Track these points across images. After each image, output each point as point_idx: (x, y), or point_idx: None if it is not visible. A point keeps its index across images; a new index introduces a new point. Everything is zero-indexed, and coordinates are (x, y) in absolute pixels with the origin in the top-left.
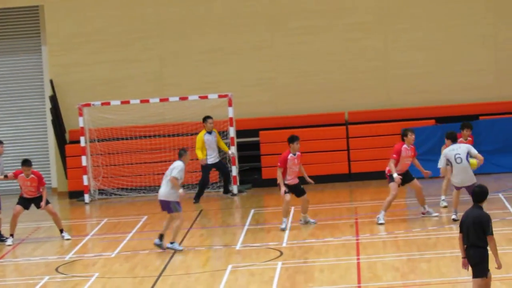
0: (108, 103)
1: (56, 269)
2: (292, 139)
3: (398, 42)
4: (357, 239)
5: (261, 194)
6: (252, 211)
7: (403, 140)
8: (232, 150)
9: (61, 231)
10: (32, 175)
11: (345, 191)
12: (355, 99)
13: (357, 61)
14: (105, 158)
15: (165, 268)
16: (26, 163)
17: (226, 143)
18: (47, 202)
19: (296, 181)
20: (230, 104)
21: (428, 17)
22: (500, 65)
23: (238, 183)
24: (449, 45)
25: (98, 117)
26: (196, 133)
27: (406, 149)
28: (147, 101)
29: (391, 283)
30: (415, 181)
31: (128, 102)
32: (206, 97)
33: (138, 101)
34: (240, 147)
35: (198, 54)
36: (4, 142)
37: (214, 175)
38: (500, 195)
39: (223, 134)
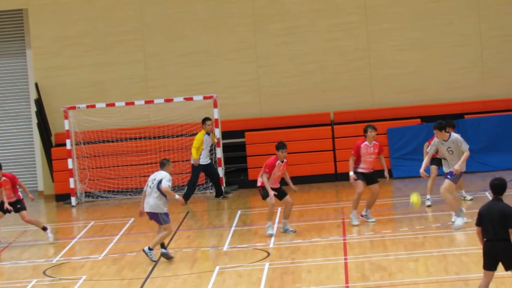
0: (94, 106)
1: (44, 272)
2: (278, 147)
3: (382, 42)
4: (344, 239)
5: (248, 195)
6: (239, 212)
7: (365, 136)
8: (217, 135)
9: (44, 228)
10: (4, 178)
11: (331, 191)
12: (340, 99)
13: (341, 61)
14: (91, 161)
15: (152, 270)
16: None
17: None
18: (19, 209)
19: (278, 185)
20: (215, 106)
21: (412, 17)
22: (485, 64)
23: (224, 184)
24: (433, 44)
25: (84, 119)
26: (182, 135)
27: (367, 146)
28: (132, 103)
29: (378, 282)
30: (376, 186)
31: (113, 104)
32: (191, 99)
33: (123, 103)
34: (226, 148)
35: (182, 56)
36: None
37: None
38: (487, 193)
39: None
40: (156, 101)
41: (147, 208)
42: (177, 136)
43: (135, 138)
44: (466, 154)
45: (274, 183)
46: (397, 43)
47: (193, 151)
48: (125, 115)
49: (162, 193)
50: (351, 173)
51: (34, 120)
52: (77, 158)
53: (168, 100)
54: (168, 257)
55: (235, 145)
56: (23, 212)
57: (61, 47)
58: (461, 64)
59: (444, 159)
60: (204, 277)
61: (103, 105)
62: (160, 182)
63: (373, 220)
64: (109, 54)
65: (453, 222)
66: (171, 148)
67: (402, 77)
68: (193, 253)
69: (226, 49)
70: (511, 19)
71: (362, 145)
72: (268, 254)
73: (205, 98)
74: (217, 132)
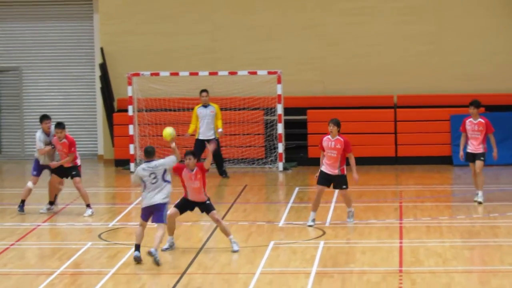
0: (158, 74)
1: (99, 236)
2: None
3: (450, 29)
4: (401, 223)
5: (306, 172)
6: (297, 189)
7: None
8: (220, 130)
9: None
10: (64, 140)
11: (390, 174)
12: (404, 83)
13: (408, 45)
14: (152, 128)
15: (207, 240)
16: (59, 125)
17: (269, 120)
18: (74, 175)
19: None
20: (279, 81)
21: (481, 4)
22: None
23: (283, 161)
24: (501, 33)
25: (147, 87)
26: (244, 108)
27: (329, 139)
28: (196, 73)
29: (432, 268)
30: (342, 191)
31: (177, 74)
32: (255, 73)
33: (187, 73)
34: (287, 124)
35: (249, 30)
36: (53, 107)
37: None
38: None
39: (271, 111)
40: (220, 73)
41: (156, 201)
42: (239, 110)
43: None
44: None
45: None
46: (466, 30)
47: (190, 126)
48: (188, 85)
49: (168, 181)
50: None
51: (98, 85)
52: (138, 124)
53: (232, 73)
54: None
55: (297, 122)
56: (77, 179)
57: (128, 13)
58: None
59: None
60: (258, 252)
61: (167, 73)
62: (165, 172)
63: (352, 221)
64: (177, 23)
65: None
66: (232, 121)
67: (468, 65)
68: (249, 226)
69: (294, 26)
70: None
71: (324, 138)
72: (324, 232)
73: (269, 73)
74: (279, 108)
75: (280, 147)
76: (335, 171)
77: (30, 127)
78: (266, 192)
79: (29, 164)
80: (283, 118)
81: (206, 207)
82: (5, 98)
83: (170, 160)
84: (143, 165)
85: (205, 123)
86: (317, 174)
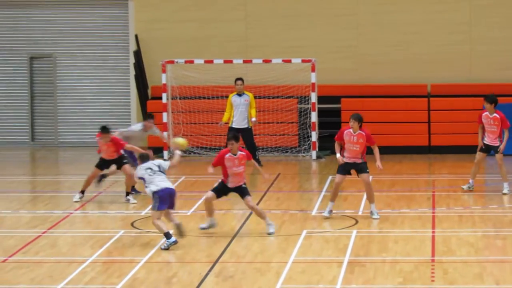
0: (192, 61)
1: (132, 224)
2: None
3: (484, 18)
4: (433, 212)
5: None
6: (330, 177)
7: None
8: (254, 119)
9: (127, 194)
10: (110, 142)
11: (424, 163)
12: (437, 72)
13: (442, 34)
14: (186, 116)
15: (240, 229)
16: (104, 130)
17: (303, 109)
18: (124, 163)
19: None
20: (313, 70)
21: None
22: None
23: (317, 149)
24: None
25: (181, 74)
26: (278, 97)
27: (350, 134)
28: (231, 61)
29: (465, 258)
30: (364, 175)
31: (211, 61)
32: (289, 61)
33: (221, 61)
34: (320, 113)
35: (283, 18)
36: (87, 94)
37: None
38: None
39: (305, 99)
40: (254, 61)
41: (172, 188)
42: (273, 98)
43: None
44: None
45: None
46: (500, 19)
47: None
48: (222, 72)
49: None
50: (337, 155)
51: (132, 72)
52: (172, 112)
53: (266, 61)
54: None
55: (330, 111)
56: (126, 166)
57: (163, 1)
58: None
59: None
60: (290, 240)
61: (201, 61)
62: (160, 166)
63: (377, 217)
64: (211, 11)
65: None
66: (266, 109)
67: (502, 54)
68: (282, 215)
69: (328, 14)
70: None
71: (345, 132)
72: (356, 221)
73: (303, 61)
74: (313, 97)
75: (314, 136)
76: (358, 160)
77: (64, 114)
78: (299, 181)
79: (62, 152)
80: (316, 106)
81: (242, 191)
82: (38, 85)
83: (165, 164)
84: (140, 166)
85: (239, 112)
86: (339, 157)
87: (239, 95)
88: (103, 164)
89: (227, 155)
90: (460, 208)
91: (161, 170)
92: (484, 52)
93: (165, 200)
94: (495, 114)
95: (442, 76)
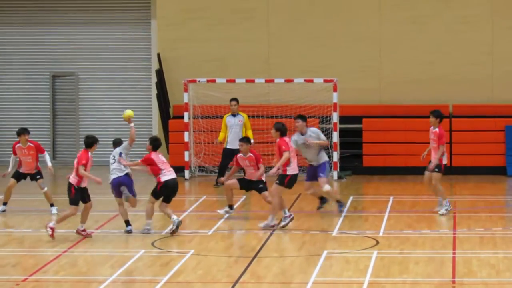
0: (214, 81)
1: (152, 244)
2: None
3: (506, 38)
4: (454, 233)
5: (361, 181)
6: (351, 198)
7: None
8: (252, 141)
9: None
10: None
11: (445, 184)
12: (459, 93)
13: (463, 54)
14: (207, 135)
15: (261, 249)
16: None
17: (324, 129)
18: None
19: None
20: (335, 90)
21: None
22: None
23: (338, 169)
24: None
25: (203, 93)
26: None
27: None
28: (253, 81)
29: (486, 279)
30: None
31: (233, 81)
32: (311, 81)
33: (243, 80)
34: (342, 133)
35: (305, 37)
36: (108, 112)
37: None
38: None
39: (326, 119)
40: (276, 80)
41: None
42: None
43: (253, 116)
44: None
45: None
46: None
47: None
48: (244, 92)
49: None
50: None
51: (154, 91)
52: (193, 131)
53: (288, 81)
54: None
55: (352, 131)
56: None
57: (185, 20)
58: None
59: None
60: (311, 261)
61: (223, 80)
62: (120, 155)
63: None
64: (233, 30)
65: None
66: (288, 129)
67: None
68: (302, 235)
69: (350, 34)
70: None
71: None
72: (377, 242)
73: (325, 81)
74: (335, 117)
75: (335, 156)
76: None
77: (85, 133)
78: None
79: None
80: (338, 126)
81: (258, 189)
82: (60, 104)
83: (123, 145)
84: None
85: (233, 132)
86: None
87: (234, 115)
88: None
89: (239, 156)
90: (481, 230)
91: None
92: (506, 73)
93: (115, 188)
94: (436, 129)
95: (464, 97)
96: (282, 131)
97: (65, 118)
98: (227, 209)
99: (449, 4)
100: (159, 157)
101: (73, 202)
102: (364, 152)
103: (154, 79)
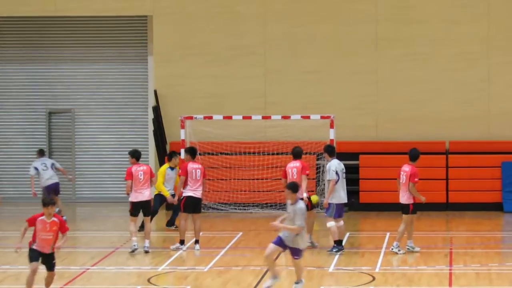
0: (211, 117)
1: (148, 280)
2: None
3: (502, 75)
4: (450, 269)
5: (357, 217)
6: (348, 234)
7: None
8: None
9: None
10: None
11: (441, 220)
12: (456, 129)
13: (460, 91)
14: (206, 172)
15: (257, 285)
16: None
17: (321, 165)
18: None
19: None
20: (332, 126)
21: None
22: None
23: None
24: None
25: (200, 130)
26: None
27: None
28: (250, 117)
29: None
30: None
31: (230, 117)
32: (308, 117)
33: (240, 117)
34: None
35: (301, 74)
36: (105, 149)
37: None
38: None
39: (323, 155)
40: (273, 117)
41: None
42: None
43: (250, 153)
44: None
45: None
46: None
47: (162, 187)
48: (241, 129)
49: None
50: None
51: (151, 127)
52: None
53: (285, 117)
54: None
55: (349, 167)
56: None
57: (182, 56)
58: None
59: None
60: None
61: (220, 117)
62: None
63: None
64: (230, 67)
65: None
66: (284, 165)
67: None
68: None
69: (346, 71)
70: None
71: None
72: (373, 278)
73: (322, 117)
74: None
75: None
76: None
77: (82, 169)
78: (316, 237)
79: (80, 207)
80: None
81: None
82: (57, 140)
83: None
84: None
85: (169, 184)
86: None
87: (172, 168)
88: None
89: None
90: (477, 265)
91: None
92: (502, 110)
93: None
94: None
95: (461, 133)
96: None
97: (62, 155)
98: (177, 245)
99: (444, 42)
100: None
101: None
102: (360, 188)
103: (151, 115)
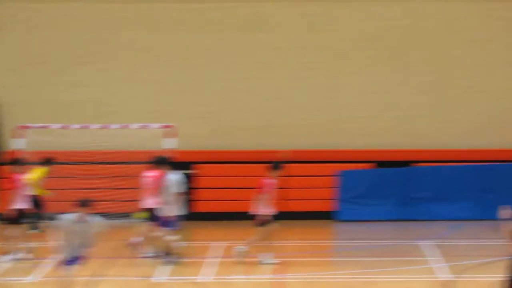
0: (48, 126)
1: None
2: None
3: (345, 85)
4: (282, 278)
5: (193, 227)
6: (184, 243)
7: None
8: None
9: None
10: None
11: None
12: (293, 138)
13: (302, 100)
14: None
15: None
16: None
17: None
18: None
19: None
20: (169, 135)
21: (374, 62)
22: (443, 113)
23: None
24: (391, 91)
25: (38, 139)
26: (134, 162)
27: None
28: (87, 127)
29: None
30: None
31: (68, 126)
32: (146, 127)
33: (78, 126)
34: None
35: (144, 84)
36: None
37: None
38: (425, 242)
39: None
40: (111, 126)
41: None
42: (130, 163)
43: (86, 162)
44: None
45: None
46: (360, 87)
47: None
48: (80, 138)
49: None
50: None
51: None
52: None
53: (124, 126)
54: None
55: (186, 176)
56: None
57: (24, 65)
58: (416, 111)
59: None
60: None
61: (58, 126)
62: None
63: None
64: (69, 76)
65: None
66: (123, 174)
67: (359, 121)
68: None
69: (185, 79)
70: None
71: None
72: None
73: (161, 127)
74: None
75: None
76: None
77: None
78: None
79: None
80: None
81: None
82: None
83: None
84: None
85: None
86: None
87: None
88: None
89: None
90: (309, 274)
91: None
92: (342, 119)
93: None
94: None
95: (302, 142)
96: None
97: None
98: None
99: (288, 50)
100: None
101: None
102: (197, 197)
103: None
